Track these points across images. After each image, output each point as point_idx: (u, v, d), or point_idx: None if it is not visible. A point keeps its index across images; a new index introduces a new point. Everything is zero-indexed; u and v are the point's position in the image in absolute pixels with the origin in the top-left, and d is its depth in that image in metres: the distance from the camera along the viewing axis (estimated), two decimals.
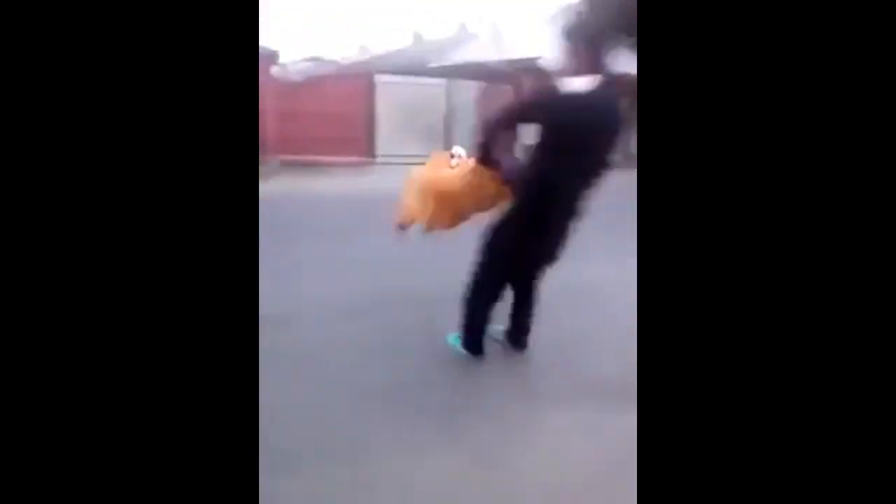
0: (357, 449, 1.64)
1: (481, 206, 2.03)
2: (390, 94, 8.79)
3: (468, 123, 9.26)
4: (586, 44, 1.73)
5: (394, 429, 1.73)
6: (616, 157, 1.82)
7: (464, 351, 2.20)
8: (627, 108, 1.70)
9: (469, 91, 9.37)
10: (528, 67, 9.11)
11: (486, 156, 1.89)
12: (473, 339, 2.17)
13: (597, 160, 1.80)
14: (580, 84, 1.70)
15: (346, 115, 8.55)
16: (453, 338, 2.25)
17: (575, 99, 1.71)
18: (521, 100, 1.96)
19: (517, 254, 2.01)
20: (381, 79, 8.86)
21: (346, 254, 3.61)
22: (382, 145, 8.78)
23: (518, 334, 2.26)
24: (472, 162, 1.99)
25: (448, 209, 2.07)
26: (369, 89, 8.71)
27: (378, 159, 8.65)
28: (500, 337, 2.31)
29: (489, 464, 1.60)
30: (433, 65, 11.42)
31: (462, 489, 1.49)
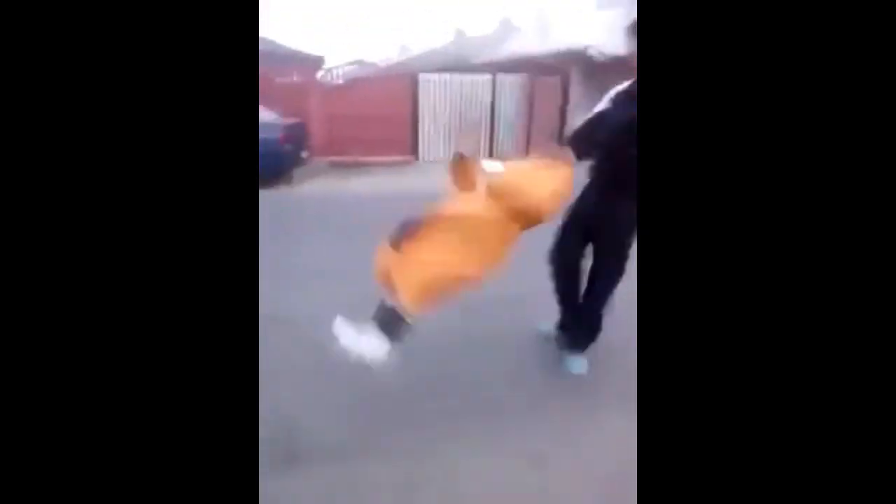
0: (404, 448, 1.59)
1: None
2: (433, 92, 8.68)
3: (512, 119, 9.04)
4: None
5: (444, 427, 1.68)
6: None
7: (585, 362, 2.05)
8: None
9: (515, 85, 9.13)
10: (577, 58, 8.75)
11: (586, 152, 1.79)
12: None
13: None
14: None
15: (388, 115, 8.53)
16: (576, 362, 2.06)
17: None
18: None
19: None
20: (424, 77, 8.75)
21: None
22: (425, 144, 8.69)
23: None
24: (560, 164, 1.73)
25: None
26: (412, 89, 8.63)
27: (421, 158, 8.58)
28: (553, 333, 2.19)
29: (541, 464, 1.54)
30: (477, 61, 11.23)
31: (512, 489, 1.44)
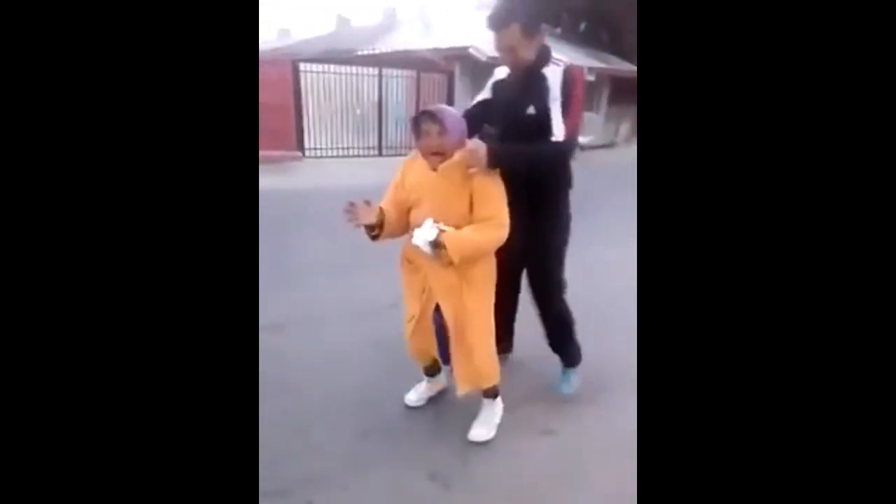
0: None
1: None
2: (317, 82, 8.33)
3: (402, 115, 9.05)
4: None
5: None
6: None
7: (578, 381, 1.97)
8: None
9: (400, 80, 9.13)
10: (459, 56, 9.02)
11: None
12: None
13: None
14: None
15: (269, 104, 8.00)
16: (566, 383, 1.97)
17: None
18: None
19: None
20: (306, 66, 8.33)
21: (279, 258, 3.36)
22: (311, 138, 8.31)
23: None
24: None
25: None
26: (294, 77, 8.18)
27: (307, 153, 8.21)
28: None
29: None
30: (361, 52, 11.01)
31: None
